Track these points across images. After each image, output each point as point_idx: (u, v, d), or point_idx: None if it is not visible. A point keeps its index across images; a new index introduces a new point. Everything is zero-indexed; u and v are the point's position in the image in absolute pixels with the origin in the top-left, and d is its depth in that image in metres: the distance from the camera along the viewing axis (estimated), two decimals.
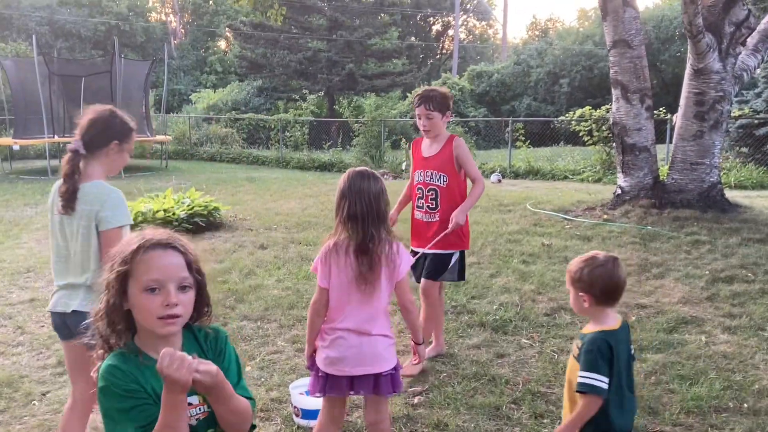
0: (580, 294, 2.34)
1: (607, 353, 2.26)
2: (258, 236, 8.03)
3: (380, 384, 2.70)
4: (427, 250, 4.05)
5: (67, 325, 2.66)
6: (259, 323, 4.91)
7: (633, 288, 5.55)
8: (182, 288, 1.59)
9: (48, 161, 16.14)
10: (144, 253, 1.57)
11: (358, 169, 2.79)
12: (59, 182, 2.74)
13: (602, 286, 2.29)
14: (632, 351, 2.45)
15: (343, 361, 2.66)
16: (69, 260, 2.70)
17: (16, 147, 16.77)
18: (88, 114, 2.74)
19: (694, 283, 5.63)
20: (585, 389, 2.24)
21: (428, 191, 4.09)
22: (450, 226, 3.92)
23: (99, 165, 2.73)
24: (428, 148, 4.15)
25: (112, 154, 2.74)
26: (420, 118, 4.07)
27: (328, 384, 2.70)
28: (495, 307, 5.16)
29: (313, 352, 2.78)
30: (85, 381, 2.63)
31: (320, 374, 2.72)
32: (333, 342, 2.68)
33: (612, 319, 2.36)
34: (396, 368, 2.76)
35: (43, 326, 4.91)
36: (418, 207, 4.17)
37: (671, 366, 3.99)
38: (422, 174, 4.11)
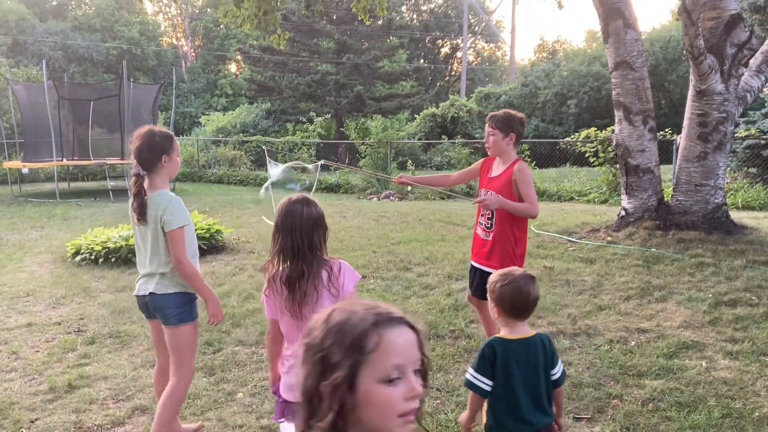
0: (492, 305, 2.53)
1: (490, 357, 2.44)
2: (259, 259, 8.01)
3: None
4: (482, 267, 4.20)
5: (147, 305, 3.32)
6: (253, 348, 4.86)
7: (634, 312, 5.48)
8: (415, 372, 1.22)
9: (56, 184, 16.27)
10: (383, 331, 1.19)
11: (294, 197, 2.71)
12: (131, 199, 3.29)
13: (511, 301, 2.46)
14: (555, 369, 2.55)
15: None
16: (145, 255, 3.29)
17: (25, 170, 16.92)
18: (134, 141, 3.22)
19: (696, 306, 5.55)
20: (467, 385, 2.51)
21: (487, 210, 4.10)
22: (477, 200, 3.99)
23: (159, 177, 3.26)
24: (496, 168, 4.16)
25: (165, 165, 3.26)
26: (486, 136, 4.15)
27: (288, 409, 2.68)
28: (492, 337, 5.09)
29: (277, 379, 2.81)
30: (164, 352, 3.42)
31: (280, 400, 2.73)
32: (290, 369, 2.67)
33: (519, 330, 2.50)
34: None
35: (38, 351, 4.89)
36: (479, 222, 4.22)
37: (670, 392, 3.91)
38: (485, 193, 4.11)
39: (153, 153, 3.21)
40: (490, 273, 3.96)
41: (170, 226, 3.14)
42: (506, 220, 4.01)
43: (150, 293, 3.25)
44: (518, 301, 2.46)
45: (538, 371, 2.49)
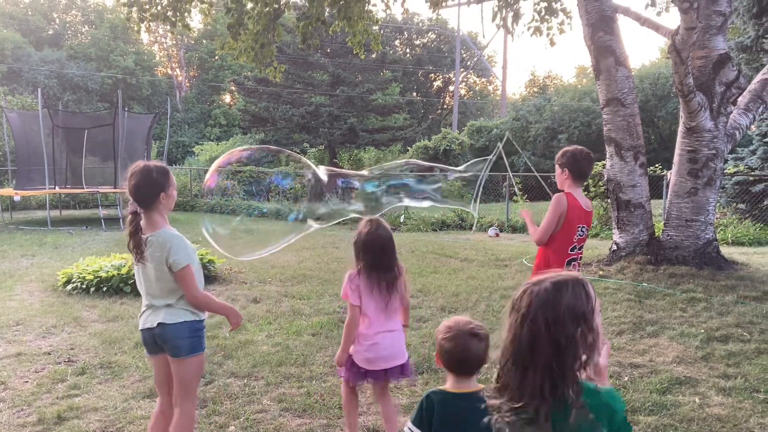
0: (436, 354, 2.46)
1: (427, 410, 2.35)
2: (252, 290, 7.99)
3: (403, 371, 3.53)
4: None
5: (154, 338, 3.19)
6: (246, 380, 4.83)
7: (627, 347, 5.49)
8: None
9: (48, 212, 16.21)
10: None
11: (373, 218, 3.57)
12: (128, 239, 3.19)
13: (450, 356, 2.38)
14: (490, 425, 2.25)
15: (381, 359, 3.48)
16: (150, 290, 3.19)
17: (17, 198, 16.86)
18: (130, 178, 3.13)
19: (689, 342, 5.56)
20: None
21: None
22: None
23: (157, 214, 3.17)
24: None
25: (163, 201, 3.18)
26: None
27: (369, 376, 3.50)
28: (486, 365, 5.07)
29: (345, 359, 3.52)
30: (168, 393, 3.31)
31: (362, 371, 3.48)
32: (370, 346, 3.45)
33: (464, 384, 2.39)
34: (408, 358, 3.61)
35: (27, 382, 4.84)
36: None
37: (664, 429, 3.90)
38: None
39: (151, 190, 3.13)
40: None
41: (178, 266, 3.08)
42: (541, 249, 4.28)
43: (159, 324, 3.15)
44: (457, 357, 2.36)
45: (480, 429, 2.19)
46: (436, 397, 2.36)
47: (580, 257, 4.36)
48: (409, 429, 2.38)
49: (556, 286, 1.73)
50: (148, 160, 13.06)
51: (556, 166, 4.33)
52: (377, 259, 3.47)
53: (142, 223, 3.12)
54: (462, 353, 2.35)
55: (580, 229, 4.23)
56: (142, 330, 3.27)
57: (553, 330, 1.67)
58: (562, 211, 4.19)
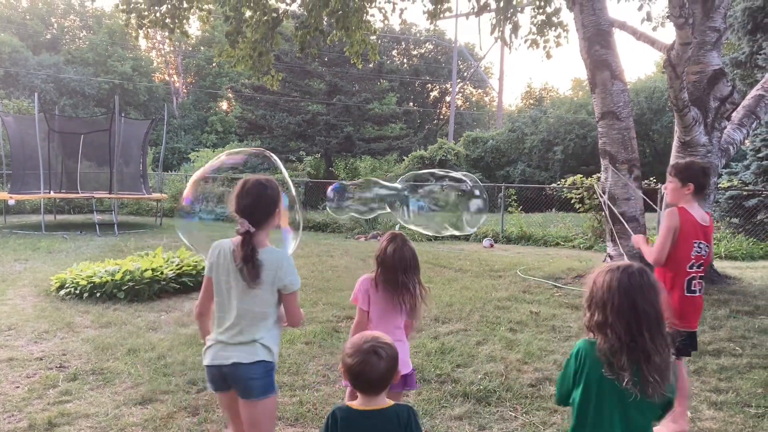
0: (342, 371, 2.42)
1: (329, 424, 2.34)
2: None
3: (407, 382, 3.49)
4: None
5: (225, 376, 2.92)
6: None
7: None
8: None
9: (43, 216, 16.17)
10: None
11: (397, 234, 3.56)
12: (222, 243, 2.99)
13: (352, 373, 2.34)
14: None
15: None
16: (237, 319, 2.90)
17: (11, 202, 16.82)
18: (244, 196, 2.93)
19: None
20: None
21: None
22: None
23: (264, 232, 2.98)
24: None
25: (276, 220, 3.03)
26: None
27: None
28: (480, 376, 5.08)
29: None
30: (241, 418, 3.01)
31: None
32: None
33: (371, 401, 2.37)
34: (413, 369, 3.60)
35: (18, 387, 4.82)
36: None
37: None
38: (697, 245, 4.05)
39: (268, 208, 2.96)
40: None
41: (291, 289, 2.93)
42: (658, 270, 4.05)
43: (233, 363, 2.88)
44: (358, 375, 2.33)
45: None
46: (341, 414, 2.35)
47: (702, 276, 4.13)
48: None
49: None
50: (143, 167, 12.94)
51: (672, 180, 4.10)
52: (398, 277, 3.40)
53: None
54: (360, 371, 2.31)
55: (697, 245, 4.00)
56: (209, 366, 2.97)
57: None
58: (676, 226, 3.98)
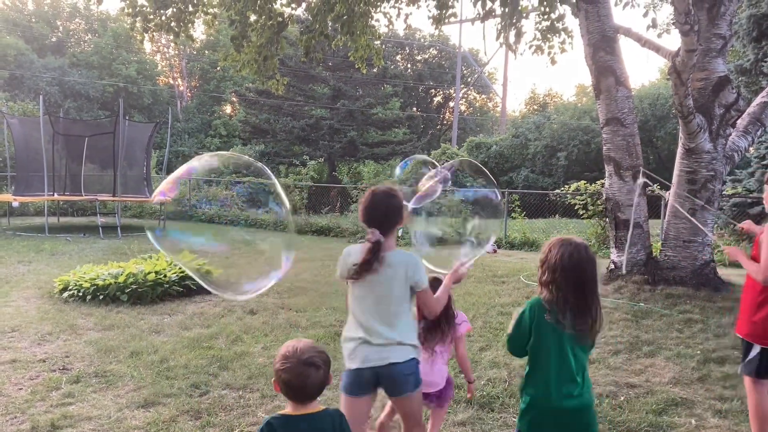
0: (274, 381, 2.44)
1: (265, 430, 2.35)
2: (248, 301, 7.97)
3: (442, 398, 3.69)
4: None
5: (377, 377, 3.02)
6: (241, 392, 4.81)
7: (623, 366, 5.48)
8: None
9: (46, 218, 16.19)
10: None
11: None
12: (354, 249, 3.10)
13: (287, 383, 2.36)
14: None
15: None
16: (382, 321, 3.02)
17: (15, 204, 16.84)
18: (375, 207, 3.07)
19: (685, 363, 5.56)
20: None
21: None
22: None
23: (392, 237, 3.11)
24: None
25: (401, 224, 3.14)
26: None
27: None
28: (483, 382, 5.07)
29: None
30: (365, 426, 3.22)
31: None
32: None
33: (304, 406, 2.39)
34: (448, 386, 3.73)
35: (21, 389, 4.81)
36: None
37: None
38: None
39: (396, 214, 3.09)
40: (744, 341, 3.78)
41: (422, 286, 3.07)
42: (749, 282, 3.84)
43: (389, 364, 2.99)
44: (294, 388, 2.35)
45: None
46: (277, 422, 2.35)
47: None
48: None
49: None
50: (147, 170, 12.93)
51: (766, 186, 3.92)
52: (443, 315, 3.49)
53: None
54: (299, 383, 2.33)
55: None
56: (359, 369, 3.04)
57: None
58: None
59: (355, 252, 3.08)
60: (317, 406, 2.41)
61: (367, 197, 3.10)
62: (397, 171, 4.86)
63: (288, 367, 2.32)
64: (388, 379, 3.02)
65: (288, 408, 2.40)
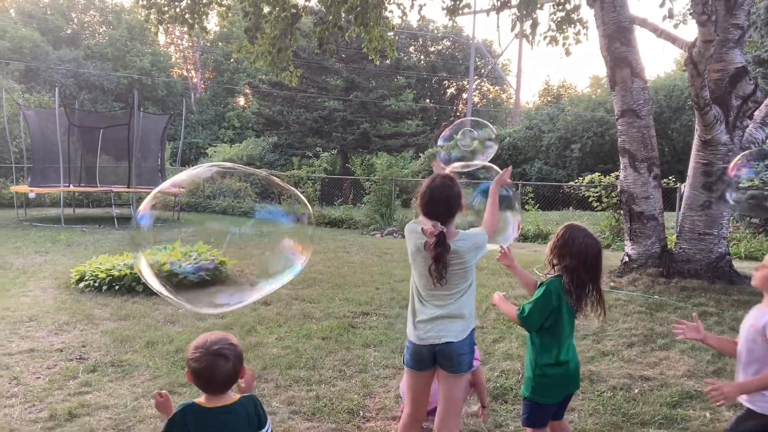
0: (187, 372, 2.44)
1: (181, 429, 2.32)
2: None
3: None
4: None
5: (434, 355, 3.11)
6: (255, 382, 4.84)
7: (637, 359, 5.46)
8: None
9: (62, 209, 16.34)
10: None
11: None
12: (418, 228, 3.09)
13: (196, 377, 2.37)
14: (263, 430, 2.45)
15: None
16: (445, 296, 3.11)
17: (32, 195, 17.01)
18: (437, 203, 3.06)
19: (700, 356, 5.53)
20: None
21: None
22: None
23: (452, 223, 3.12)
24: None
25: (461, 209, 3.16)
26: None
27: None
28: (496, 374, 5.08)
29: None
30: (423, 402, 3.29)
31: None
32: None
33: (218, 398, 2.39)
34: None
35: (39, 378, 4.88)
36: None
37: None
38: None
39: (458, 201, 3.09)
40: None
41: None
42: None
43: (446, 342, 3.07)
44: (204, 378, 2.35)
45: None
46: (190, 411, 2.35)
47: None
48: None
49: None
50: (161, 161, 12.94)
51: None
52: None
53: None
54: (208, 374, 2.34)
55: None
56: (419, 345, 3.14)
57: None
58: None
59: (418, 231, 3.08)
60: (231, 397, 2.42)
61: (426, 190, 3.08)
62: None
63: (197, 357, 2.34)
64: (444, 357, 3.08)
65: (202, 399, 2.41)
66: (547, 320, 3.14)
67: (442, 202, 3.05)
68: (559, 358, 3.16)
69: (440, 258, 2.97)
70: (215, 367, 2.33)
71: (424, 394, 3.29)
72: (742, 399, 2.81)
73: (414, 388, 3.27)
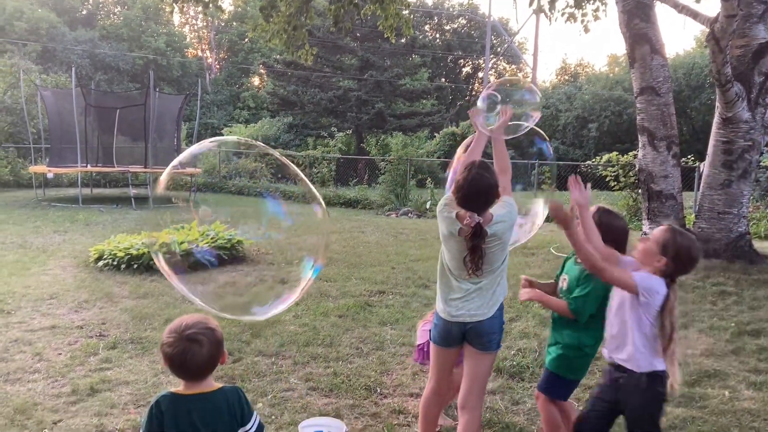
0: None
1: (157, 416, 2.20)
2: (279, 270, 8.06)
3: None
4: None
5: (463, 333, 3.09)
6: (273, 359, 4.89)
7: None
8: None
9: (80, 189, 16.48)
10: None
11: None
12: (447, 209, 3.07)
13: (170, 363, 2.22)
14: (248, 425, 2.28)
15: None
16: (482, 276, 3.03)
17: (50, 175, 17.16)
18: (475, 198, 2.94)
19: (718, 335, 5.49)
20: None
21: None
22: None
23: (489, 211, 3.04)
24: None
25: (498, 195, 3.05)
26: None
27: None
28: (513, 352, 5.08)
29: None
30: (447, 376, 3.31)
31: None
32: None
33: (197, 385, 2.26)
34: None
35: (60, 354, 4.95)
36: None
37: (692, 421, 3.87)
38: None
39: (494, 194, 3.00)
40: None
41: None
42: None
43: (478, 321, 3.05)
44: (177, 364, 2.20)
45: (217, 429, 2.23)
46: (165, 401, 2.23)
47: None
48: None
49: None
50: (177, 142, 12.96)
51: None
52: None
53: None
54: (181, 360, 2.19)
55: None
56: (450, 321, 3.11)
57: None
58: None
59: (452, 217, 3.03)
60: (212, 384, 2.28)
61: (463, 182, 2.95)
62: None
63: (170, 342, 2.20)
64: (474, 335, 3.06)
65: (180, 387, 2.28)
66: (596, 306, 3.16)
67: (479, 196, 2.95)
68: (601, 339, 3.17)
69: (476, 249, 2.92)
70: (188, 353, 2.17)
71: (448, 369, 3.31)
72: (616, 357, 2.86)
73: (439, 363, 3.28)
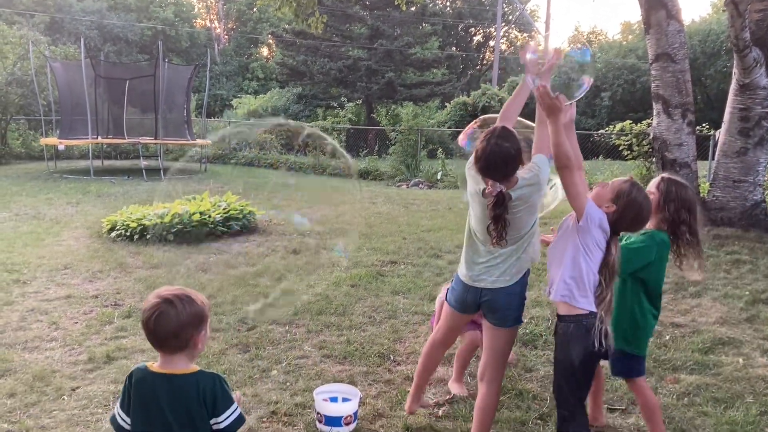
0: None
1: (128, 388, 2.12)
2: (291, 241, 8.08)
3: None
4: None
5: (478, 303, 3.04)
6: (287, 327, 4.92)
7: (668, 306, 5.42)
8: None
9: (91, 161, 16.53)
10: None
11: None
12: (471, 162, 2.92)
13: (144, 328, 2.09)
14: (219, 417, 2.08)
15: None
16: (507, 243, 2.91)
17: (61, 147, 17.20)
18: (496, 166, 2.80)
19: (732, 303, 5.47)
20: (111, 422, 2.21)
21: None
22: None
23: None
24: None
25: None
26: None
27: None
28: (526, 320, 5.07)
29: None
30: (453, 335, 3.42)
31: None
32: None
33: (172, 364, 2.11)
34: None
35: (76, 323, 5.00)
36: None
37: (706, 388, 3.87)
38: None
39: (516, 161, 2.85)
40: None
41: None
42: None
43: (497, 288, 2.96)
44: (147, 327, 2.05)
45: (181, 415, 2.07)
46: (137, 374, 2.12)
47: None
48: (117, 412, 2.15)
49: None
50: (187, 113, 12.97)
51: None
52: None
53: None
54: (152, 325, 2.04)
55: None
56: (468, 286, 3.06)
57: None
58: None
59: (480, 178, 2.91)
60: (188, 367, 2.12)
61: (480, 154, 2.82)
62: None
63: (146, 306, 2.07)
64: (490, 307, 3.00)
65: (157, 362, 2.14)
66: (643, 271, 3.08)
67: (497, 167, 2.81)
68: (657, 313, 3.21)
69: (499, 219, 2.79)
70: (159, 313, 2.02)
71: (457, 329, 3.37)
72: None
73: (450, 323, 3.31)
